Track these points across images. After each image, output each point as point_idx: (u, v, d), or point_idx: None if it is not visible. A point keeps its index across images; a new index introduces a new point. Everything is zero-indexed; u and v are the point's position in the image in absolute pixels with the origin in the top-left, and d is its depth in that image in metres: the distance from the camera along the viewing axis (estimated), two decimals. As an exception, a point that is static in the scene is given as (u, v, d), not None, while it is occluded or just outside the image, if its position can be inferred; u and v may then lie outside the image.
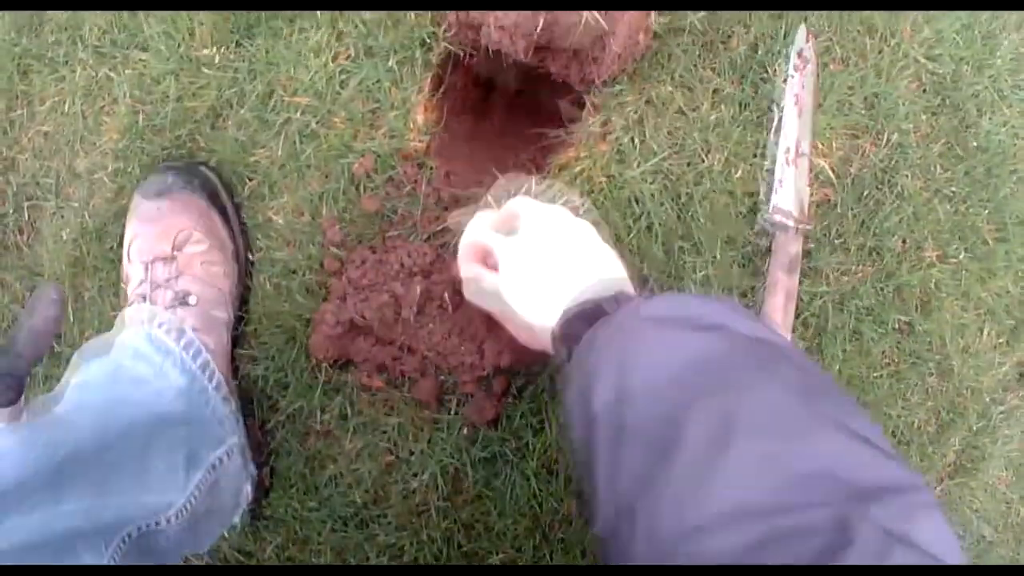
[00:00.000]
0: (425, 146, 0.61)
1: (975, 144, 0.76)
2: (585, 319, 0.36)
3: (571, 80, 0.61)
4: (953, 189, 0.75)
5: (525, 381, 0.62)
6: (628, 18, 0.59)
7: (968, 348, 0.80)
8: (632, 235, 0.63)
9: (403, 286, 0.59)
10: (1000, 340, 0.83)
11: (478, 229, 0.47)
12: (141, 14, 0.67)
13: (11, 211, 0.72)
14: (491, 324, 0.58)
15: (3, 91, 0.71)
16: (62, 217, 0.69)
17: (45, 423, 0.44)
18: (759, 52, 0.66)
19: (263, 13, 0.63)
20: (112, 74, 0.68)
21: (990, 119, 0.78)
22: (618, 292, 0.37)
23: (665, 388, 0.27)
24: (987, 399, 0.82)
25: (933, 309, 0.75)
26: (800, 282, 0.68)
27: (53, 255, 0.69)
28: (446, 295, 0.59)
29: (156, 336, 0.57)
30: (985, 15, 0.78)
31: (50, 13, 0.71)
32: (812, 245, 0.69)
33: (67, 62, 0.70)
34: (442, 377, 0.60)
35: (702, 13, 0.63)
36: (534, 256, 0.42)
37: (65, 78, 0.70)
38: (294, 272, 0.62)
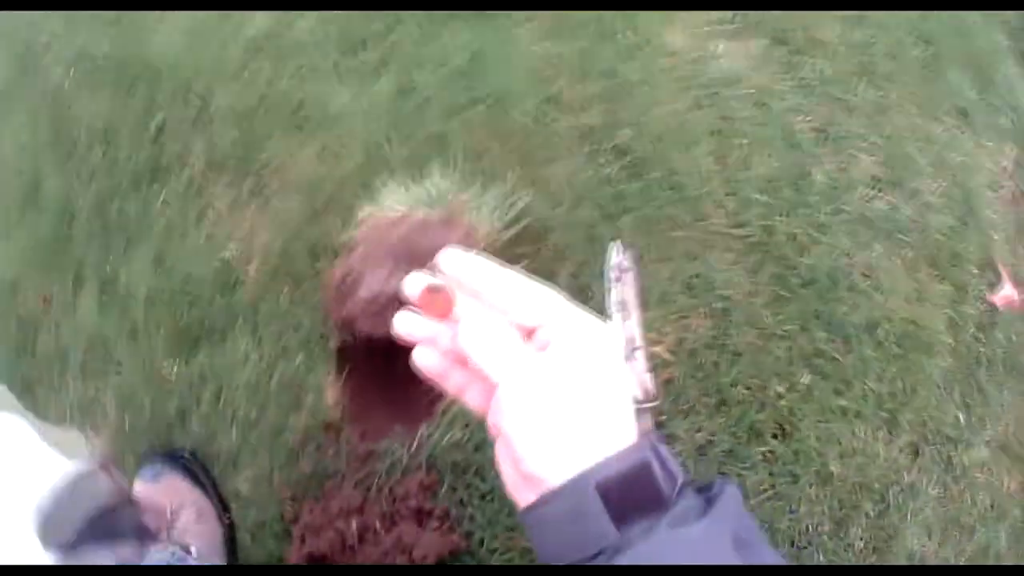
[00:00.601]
0: (340, 415, 1.09)
1: (799, 282, 1.20)
2: (634, 495, 0.40)
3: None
4: (786, 328, 1.19)
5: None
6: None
7: (844, 452, 1.23)
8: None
9: (343, 523, 1.07)
10: (879, 433, 1.26)
11: (491, 326, 0.44)
12: (110, 340, 1.17)
13: (38, 500, 1.23)
14: (415, 537, 1.06)
15: (16, 408, 1.23)
16: (80, 504, 1.20)
17: None
18: (580, 278, 1.12)
19: (201, 331, 1.12)
20: (97, 391, 1.18)
21: (811, 253, 1.21)
22: (652, 466, 0.41)
23: None
24: (876, 486, 1.25)
25: (793, 431, 1.20)
26: (659, 445, 1.13)
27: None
28: (377, 524, 1.07)
29: (178, 555, 1.06)
30: (791, 163, 1.21)
31: (38, 344, 1.21)
32: (664, 417, 1.13)
33: (61, 382, 1.21)
34: (387, 586, 1.08)
35: (523, 265, 1.09)
36: (561, 396, 0.42)
37: (62, 395, 1.21)
38: (264, 525, 1.11)
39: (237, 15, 1.17)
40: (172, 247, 1.13)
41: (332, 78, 1.13)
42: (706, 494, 0.44)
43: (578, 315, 0.45)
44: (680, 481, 0.43)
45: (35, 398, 1.22)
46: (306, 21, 1.15)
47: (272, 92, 1.14)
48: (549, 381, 0.42)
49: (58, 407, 1.21)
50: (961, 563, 1.31)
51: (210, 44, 1.16)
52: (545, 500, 0.41)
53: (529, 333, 0.45)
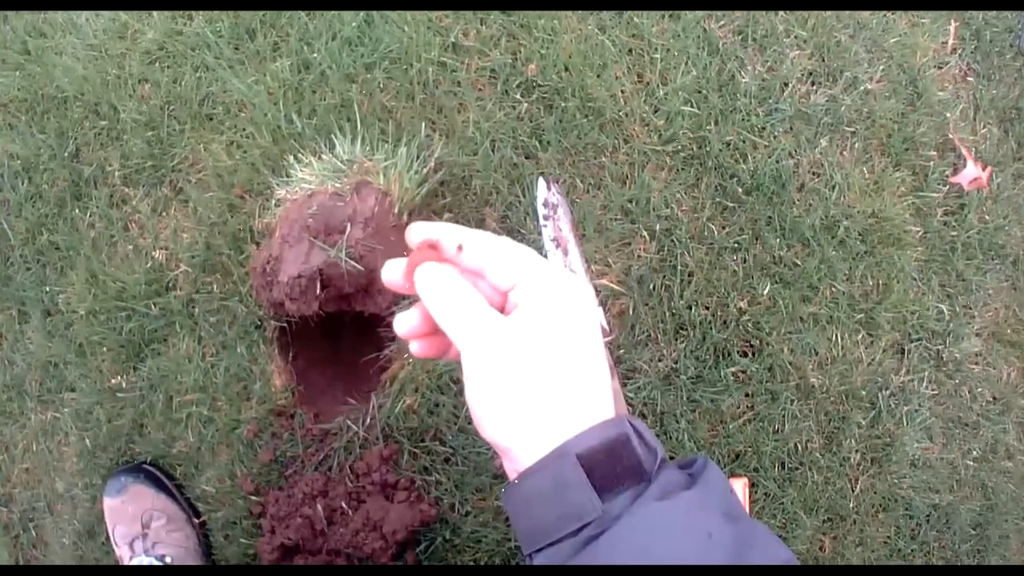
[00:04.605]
0: (291, 400, 1.08)
1: (743, 190, 1.16)
2: (615, 466, 0.39)
3: (377, 311, 1.06)
4: (737, 240, 1.15)
5: (427, 544, 1.07)
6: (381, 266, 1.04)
7: (823, 361, 1.18)
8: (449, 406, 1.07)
9: (310, 508, 1.05)
10: (857, 337, 1.20)
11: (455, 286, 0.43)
12: (61, 363, 1.18)
13: (21, 532, 1.25)
14: (384, 512, 1.03)
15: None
16: (60, 529, 1.20)
17: None
18: (510, 220, 1.09)
19: (143, 339, 1.12)
20: (56, 415, 1.19)
21: (751, 158, 1.17)
22: (632, 437, 0.40)
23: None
24: (863, 393, 1.19)
25: (763, 347, 1.15)
26: (624, 384, 1.09)
27: (62, 559, 1.20)
28: (343, 504, 1.05)
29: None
30: (715, 71, 1.18)
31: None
32: (622, 351, 1.10)
33: (22, 413, 1.22)
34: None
35: (447, 217, 1.07)
36: (529, 369, 0.40)
37: (25, 426, 1.22)
38: (234, 523, 1.10)
39: (130, 30, 1.18)
40: (103, 262, 1.14)
41: (230, 70, 1.13)
42: (688, 470, 0.43)
43: (551, 277, 0.42)
44: (660, 455, 0.42)
45: (1, 433, 1.24)
46: (196, 23, 1.16)
47: (175, 95, 1.14)
48: (515, 353, 0.40)
49: (24, 439, 1.22)
50: (969, 463, 1.25)
51: (109, 63, 1.17)
52: (527, 474, 0.40)
53: (504, 295, 0.43)
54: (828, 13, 1.25)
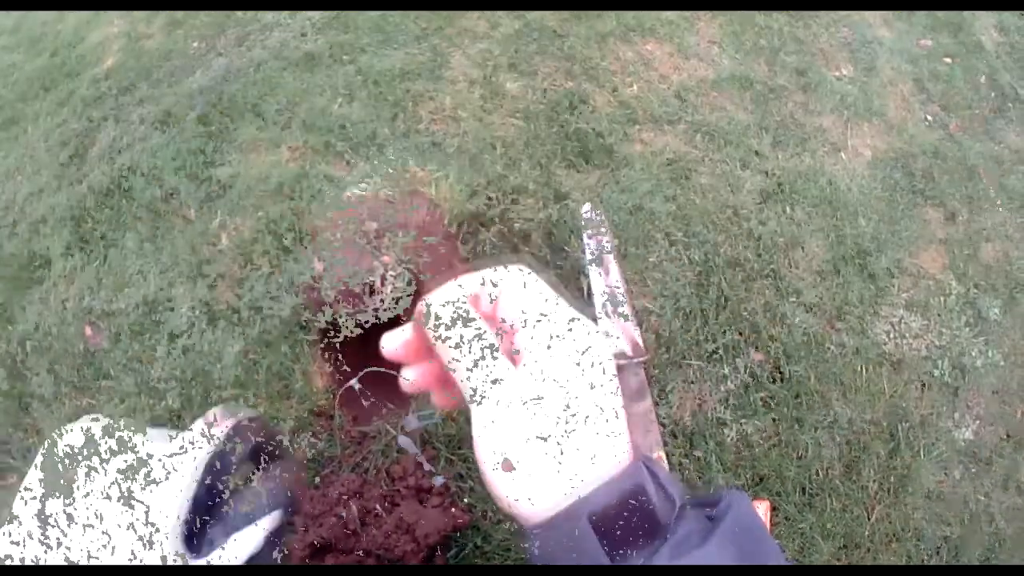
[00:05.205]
0: (331, 401, 1.09)
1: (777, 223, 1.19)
2: (630, 524, 0.39)
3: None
4: (772, 267, 1.18)
5: (457, 550, 1.09)
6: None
7: (847, 391, 1.21)
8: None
9: (344, 508, 1.07)
10: (881, 369, 1.23)
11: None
12: (100, 351, 1.19)
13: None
14: (417, 515, 1.05)
15: (15, 424, 1.25)
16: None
17: None
18: (555, 237, 1.12)
19: (187, 328, 1.14)
20: (92, 402, 1.20)
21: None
22: (648, 488, 0.40)
23: None
24: (885, 424, 1.22)
25: (792, 374, 1.18)
26: (656, 404, 1.12)
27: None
28: (377, 506, 1.07)
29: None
30: (752, 103, 1.21)
31: (30, 352, 1.24)
32: (656, 371, 1.12)
33: (56, 398, 1.23)
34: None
35: (495, 229, 1.09)
36: (541, 425, 0.39)
37: (56, 411, 1.22)
38: (266, 520, 1.12)
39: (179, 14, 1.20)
40: (149, 256, 1.15)
41: (284, 71, 1.15)
42: (709, 512, 0.42)
43: (554, 325, 0.41)
44: (679, 503, 0.40)
45: (32, 415, 1.25)
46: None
47: (226, 96, 1.16)
48: (521, 409, 0.39)
49: (54, 423, 1.23)
50: (980, 498, 1.28)
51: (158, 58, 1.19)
52: (542, 529, 0.39)
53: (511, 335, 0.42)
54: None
